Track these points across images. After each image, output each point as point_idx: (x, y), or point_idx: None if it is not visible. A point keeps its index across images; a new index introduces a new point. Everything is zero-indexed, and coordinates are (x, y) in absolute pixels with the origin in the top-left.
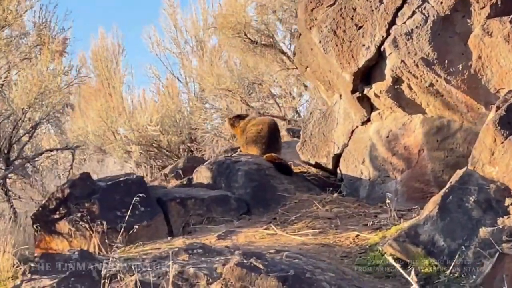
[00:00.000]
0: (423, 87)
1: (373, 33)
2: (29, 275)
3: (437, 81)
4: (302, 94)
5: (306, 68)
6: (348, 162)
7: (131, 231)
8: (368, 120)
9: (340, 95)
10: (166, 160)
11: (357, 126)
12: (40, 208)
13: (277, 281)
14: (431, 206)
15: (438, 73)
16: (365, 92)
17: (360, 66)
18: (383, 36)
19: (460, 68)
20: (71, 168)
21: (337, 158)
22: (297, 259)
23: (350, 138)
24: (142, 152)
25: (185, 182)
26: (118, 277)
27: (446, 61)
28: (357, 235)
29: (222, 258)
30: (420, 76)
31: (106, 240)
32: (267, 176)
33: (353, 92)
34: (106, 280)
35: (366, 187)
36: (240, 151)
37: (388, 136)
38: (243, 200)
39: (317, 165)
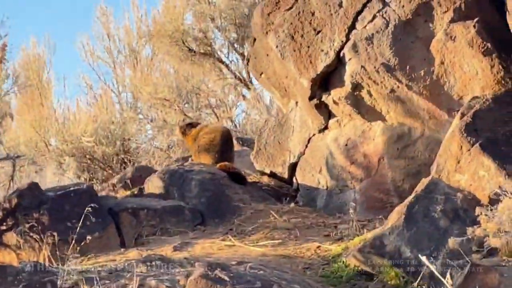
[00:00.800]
0: (383, 94)
1: (332, 38)
2: None
3: (398, 87)
4: (238, 104)
5: (260, 74)
6: (304, 171)
7: (82, 243)
8: (326, 127)
9: (296, 102)
10: (100, 172)
11: (314, 134)
12: None
13: None
14: (396, 216)
15: (399, 79)
16: (323, 99)
17: (318, 72)
18: (342, 41)
19: (422, 74)
20: (12, 179)
21: (293, 167)
22: (261, 270)
23: (306, 146)
24: (76, 164)
25: (136, 192)
26: None
27: (407, 67)
28: (318, 246)
29: (183, 270)
30: (381, 82)
31: (57, 252)
32: (221, 185)
33: (310, 98)
34: None
35: (323, 197)
36: (192, 160)
37: (346, 144)
38: (197, 211)
39: (272, 174)
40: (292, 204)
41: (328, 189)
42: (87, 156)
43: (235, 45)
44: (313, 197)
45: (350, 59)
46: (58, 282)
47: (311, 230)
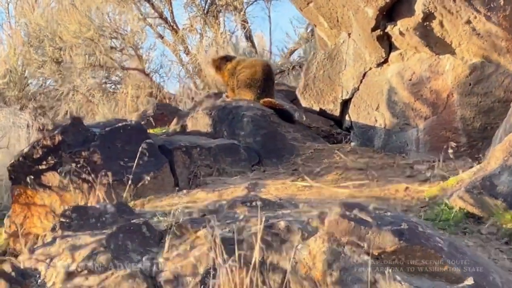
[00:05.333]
0: (457, 25)
1: None
2: (59, 231)
3: (475, 17)
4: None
5: (308, 4)
6: (359, 108)
7: (139, 184)
8: (385, 61)
9: (349, 34)
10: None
11: (370, 68)
12: (20, 158)
13: (392, 235)
14: (500, 154)
15: (477, 8)
16: (387, 29)
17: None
18: None
19: (501, 3)
20: None
21: (344, 104)
22: (387, 211)
23: (361, 81)
24: None
25: (178, 130)
26: (175, 233)
27: None
28: (407, 188)
29: (288, 211)
30: (456, 12)
31: (113, 194)
32: (272, 123)
33: (373, 29)
34: (168, 236)
35: (381, 136)
36: (226, 96)
37: (411, 79)
38: (253, 150)
39: (321, 112)
40: (353, 144)
41: (386, 128)
42: None
43: None
44: (369, 136)
45: None
46: (155, 225)
47: (386, 171)
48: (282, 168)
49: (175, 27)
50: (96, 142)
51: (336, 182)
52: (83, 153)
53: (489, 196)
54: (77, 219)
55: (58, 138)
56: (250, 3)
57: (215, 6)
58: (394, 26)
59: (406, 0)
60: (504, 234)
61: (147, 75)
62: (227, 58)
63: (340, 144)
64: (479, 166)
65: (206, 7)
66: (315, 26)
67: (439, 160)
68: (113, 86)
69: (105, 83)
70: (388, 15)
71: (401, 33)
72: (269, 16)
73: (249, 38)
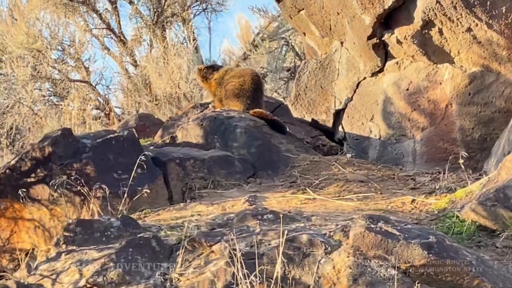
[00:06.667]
0: (457, 33)
1: None
2: (63, 246)
3: (476, 25)
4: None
5: (299, 11)
6: (353, 119)
7: (135, 197)
8: (381, 70)
9: (342, 42)
10: None
11: (364, 78)
12: (6, 170)
13: (421, 248)
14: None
15: (479, 16)
16: (384, 38)
17: (386, 7)
18: None
19: (503, 11)
20: None
21: (337, 115)
22: (408, 224)
23: (355, 91)
24: None
25: (167, 141)
26: (187, 247)
27: (488, 3)
28: (413, 200)
29: (300, 225)
30: (457, 19)
31: (109, 207)
32: (265, 134)
33: (370, 37)
34: (180, 252)
35: (376, 147)
36: (213, 106)
37: (408, 89)
38: (248, 161)
39: (314, 123)
40: (349, 155)
41: (381, 139)
42: None
43: None
44: (364, 147)
45: None
46: (165, 239)
47: (388, 183)
48: (278, 181)
49: (122, 38)
50: (88, 153)
51: (339, 194)
52: (74, 165)
53: (503, 208)
54: (82, 233)
55: (48, 149)
56: (198, 13)
57: (163, 17)
58: (392, 34)
59: (404, 7)
60: None
61: (94, 87)
62: (213, 68)
63: (336, 156)
64: (488, 178)
65: (155, 18)
66: (304, 34)
67: (441, 172)
68: (57, 99)
69: (50, 95)
70: (385, 23)
71: (398, 42)
72: (209, 28)
73: (196, 49)
